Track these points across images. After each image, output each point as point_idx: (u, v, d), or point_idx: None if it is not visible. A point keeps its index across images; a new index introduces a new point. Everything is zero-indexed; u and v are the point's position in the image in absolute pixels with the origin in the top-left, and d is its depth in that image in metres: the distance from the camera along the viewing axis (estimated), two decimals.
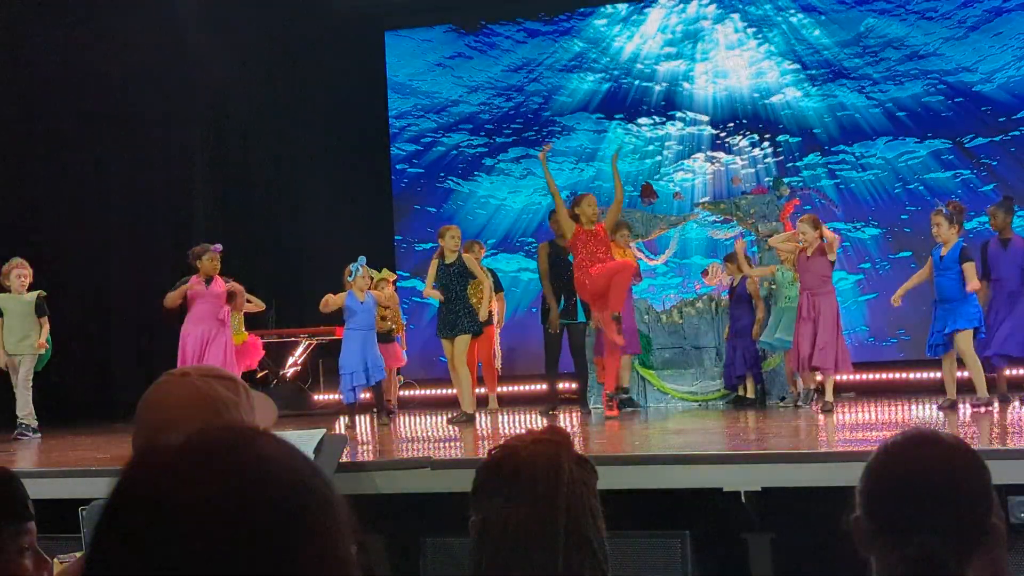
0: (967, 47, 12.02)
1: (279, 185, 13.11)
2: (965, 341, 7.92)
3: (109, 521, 0.97)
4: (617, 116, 13.22)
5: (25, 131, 11.47)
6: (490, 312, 10.03)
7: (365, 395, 9.39)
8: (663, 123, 12.98)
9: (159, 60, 11.82)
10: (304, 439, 5.47)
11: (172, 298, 9.24)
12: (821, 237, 8.61)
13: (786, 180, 11.26)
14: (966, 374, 8.23)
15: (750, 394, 9.84)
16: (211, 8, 11.96)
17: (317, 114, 13.22)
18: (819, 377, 8.83)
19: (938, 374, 10.54)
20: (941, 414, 7.81)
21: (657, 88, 13.14)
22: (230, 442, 1.00)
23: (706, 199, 11.62)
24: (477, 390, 9.61)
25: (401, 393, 12.33)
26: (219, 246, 9.47)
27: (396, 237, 13.55)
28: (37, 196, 11.67)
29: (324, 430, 5.70)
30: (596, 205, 8.96)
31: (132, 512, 0.96)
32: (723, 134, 12.77)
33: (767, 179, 11.90)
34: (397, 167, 13.81)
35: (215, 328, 9.27)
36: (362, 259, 9.33)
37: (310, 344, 11.98)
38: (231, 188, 13.14)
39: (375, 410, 9.62)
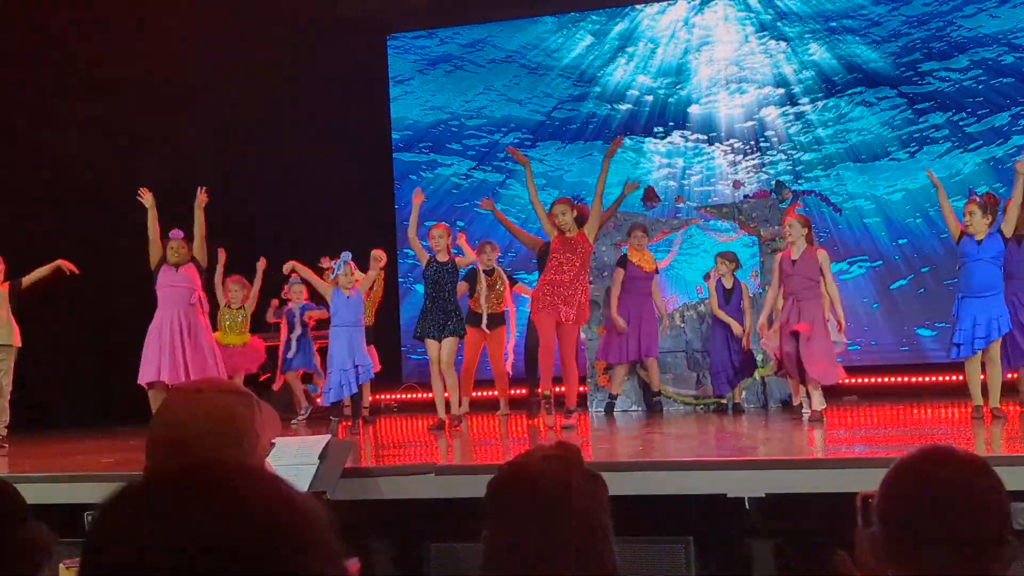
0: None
1: (281, 189, 13.11)
2: (999, 346, 7.55)
3: (86, 566, 0.99)
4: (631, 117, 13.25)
5: (27, 132, 11.48)
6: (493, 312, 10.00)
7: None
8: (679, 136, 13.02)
9: (160, 65, 11.83)
10: (308, 445, 5.49)
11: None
12: (809, 238, 8.27)
13: (788, 184, 11.25)
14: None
15: (737, 399, 9.74)
16: (212, 13, 11.95)
17: (319, 119, 13.22)
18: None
19: (940, 377, 10.58)
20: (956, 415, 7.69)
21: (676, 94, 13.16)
22: (204, 485, 0.99)
23: (708, 203, 11.61)
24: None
25: (404, 396, 12.33)
26: (178, 232, 8.98)
27: (396, 240, 13.55)
28: (39, 198, 11.67)
29: (329, 436, 5.70)
30: (568, 212, 8.31)
31: (106, 559, 0.97)
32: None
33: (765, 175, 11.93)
34: (398, 171, 13.83)
35: (189, 315, 8.68)
36: (346, 255, 9.12)
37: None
38: (232, 192, 13.13)
39: (351, 414, 9.21)
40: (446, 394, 8.74)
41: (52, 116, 11.61)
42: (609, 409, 10.01)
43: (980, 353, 7.52)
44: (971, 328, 7.46)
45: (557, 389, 8.49)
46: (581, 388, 10.91)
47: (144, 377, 8.69)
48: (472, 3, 13.55)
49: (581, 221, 8.34)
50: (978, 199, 7.81)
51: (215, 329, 10.08)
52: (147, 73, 11.75)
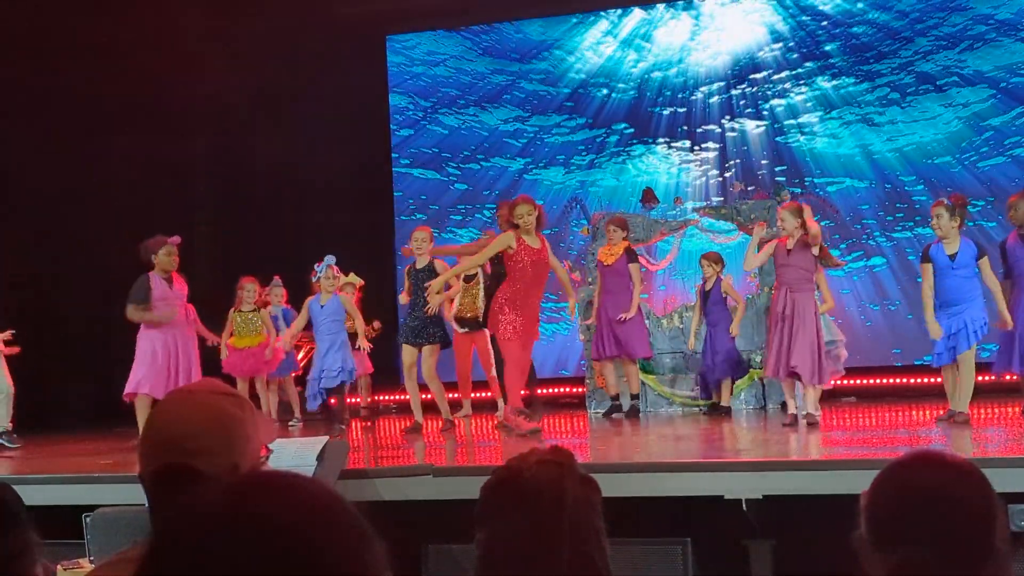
0: None
1: (280, 192, 13.12)
2: (972, 356, 7.34)
3: None
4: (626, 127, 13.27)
5: (30, 131, 11.48)
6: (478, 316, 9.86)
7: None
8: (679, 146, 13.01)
9: (160, 67, 11.82)
10: (307, 447, 5.50)
11: (138, 316, 8.40)
12: (804, 228, 7.84)
13: (786, 186, 11.27)
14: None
15: (724, 401, 9.51)
16: (212, 15, 11.97)
17: (318, 120, 13.22)
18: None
19: (938, 378, 10.56)
20: (943, 424, 7.40)
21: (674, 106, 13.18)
22: (255, 520, 0.99)
23: (706, 204, 11.61)
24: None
25: (399, 398, 12.31)
26: (177, 238, 8.64)
27: (394, 241, 13.56)
28: (40, 195, 11.67)
29: (326, 438, 5.72)
30: (533, 212, 7.62)
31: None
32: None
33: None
34: (398, 173, 13.84)
35: (184, 332, 8.54)
36: (330, 258, 9.08)
37: (310, 348, 11.98)
38: (232, 195, 13.15)
39: (333, 415, 9.21)
40: (428, 396, 8.84)
41: (55, 118, 11.62)
42: (615, 411, 9.85)
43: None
44: (946, 338, 7.36)
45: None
46: (580, 389, 10.96)
47: (132, 389, 8.39)
48: (471, 5, 13.56)
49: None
50: (945, 201, 7.50)
51: (223, 333, 10.12)
52: (144, 74, 11.75)
